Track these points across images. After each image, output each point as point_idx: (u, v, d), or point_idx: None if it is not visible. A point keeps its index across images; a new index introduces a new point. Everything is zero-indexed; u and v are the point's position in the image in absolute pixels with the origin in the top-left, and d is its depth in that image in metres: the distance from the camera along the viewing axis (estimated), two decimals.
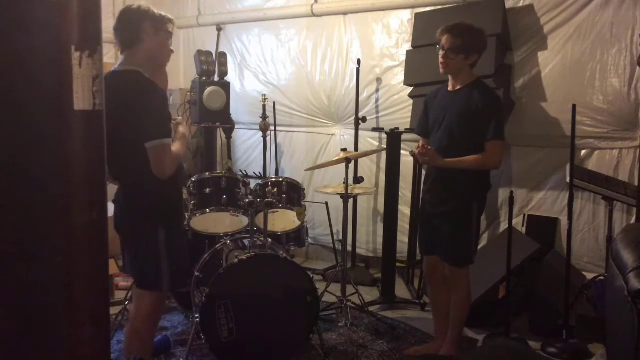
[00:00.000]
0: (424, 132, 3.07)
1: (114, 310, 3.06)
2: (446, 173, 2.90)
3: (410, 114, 4.28)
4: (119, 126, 2.12)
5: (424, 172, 3.27)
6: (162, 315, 2.74)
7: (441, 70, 2.89)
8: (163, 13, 2.40)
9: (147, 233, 2.36)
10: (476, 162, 2.82)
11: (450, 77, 2.93)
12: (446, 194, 2.92)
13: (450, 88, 2.94)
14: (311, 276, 3.08)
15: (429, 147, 2.86)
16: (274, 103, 5.02)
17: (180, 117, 2.55)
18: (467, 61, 2.83)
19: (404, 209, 4.44)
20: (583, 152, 3.87)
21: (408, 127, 4.16)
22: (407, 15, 4.50)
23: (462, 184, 2.86)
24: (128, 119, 2.22)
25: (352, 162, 3.77)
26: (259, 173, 5.06)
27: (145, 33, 2.34)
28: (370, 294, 4.11)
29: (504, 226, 4.11)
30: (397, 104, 4.59)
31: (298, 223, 3.49)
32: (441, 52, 2.84)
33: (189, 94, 4.73)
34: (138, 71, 2.34)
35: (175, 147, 2.38)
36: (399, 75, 4.50)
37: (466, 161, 2.82)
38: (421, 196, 3.20)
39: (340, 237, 4.07)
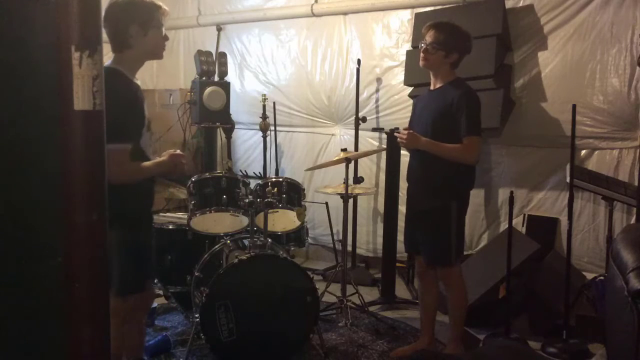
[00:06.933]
0: None
1: None
2: (427, 170, 2.91)
3: (410, 114, 4.27)
4: None
5: None
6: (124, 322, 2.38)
7: (420, 64, 2.90)
8: (148, 1, 2.24)
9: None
10: (455, 151, 2.81)
11: (431, 76, 2.95)
12: (426, 192, 2.93)
13: (431, 87, 2.97)
14: (311, 276, 3.08)
15: (410, 131, 2.86)
16: (274, 103, 5.02)
17: (174, 151, 2.40)
18: (447, 59, 2.84)
19: (404, 209, 4.42)
20: (583, 152, 3.88)
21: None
22: (407, 15, 4.50)
23: (442, 182, 2.87)
24: None
25: (352, 162, 3.77)
26: (259, 173, 5.06)
27: (132, 39, 2.21)
28: (370, 294, 4.11)
29: (504, 226, 4.11)
30: (397, 104, 4.59)
31: (298, 223, 3.49)
32: (422, 46, 2.86)
33: (189, 94, 4.73)
34: (115, 69, 2.22)
35: (144, 164, 2.26)
36: (399, 75, 4.50)
37: (446, 147, 2.81)
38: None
39: (340, 237, 4.07)
